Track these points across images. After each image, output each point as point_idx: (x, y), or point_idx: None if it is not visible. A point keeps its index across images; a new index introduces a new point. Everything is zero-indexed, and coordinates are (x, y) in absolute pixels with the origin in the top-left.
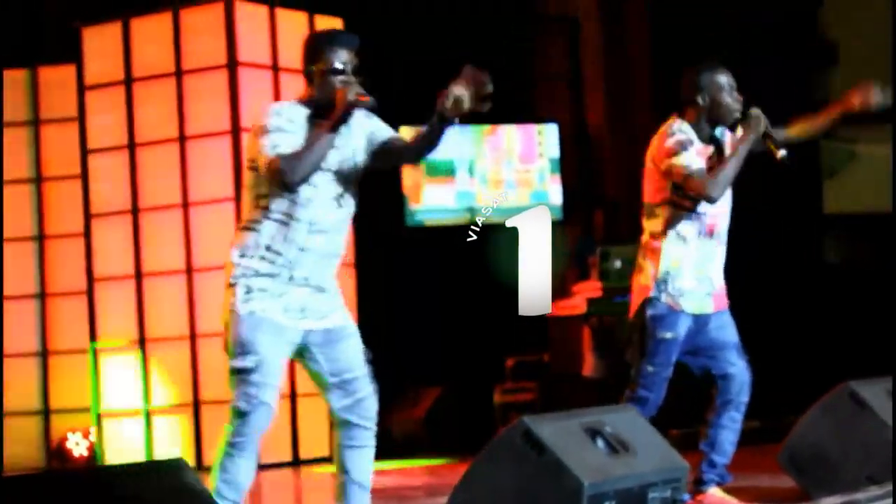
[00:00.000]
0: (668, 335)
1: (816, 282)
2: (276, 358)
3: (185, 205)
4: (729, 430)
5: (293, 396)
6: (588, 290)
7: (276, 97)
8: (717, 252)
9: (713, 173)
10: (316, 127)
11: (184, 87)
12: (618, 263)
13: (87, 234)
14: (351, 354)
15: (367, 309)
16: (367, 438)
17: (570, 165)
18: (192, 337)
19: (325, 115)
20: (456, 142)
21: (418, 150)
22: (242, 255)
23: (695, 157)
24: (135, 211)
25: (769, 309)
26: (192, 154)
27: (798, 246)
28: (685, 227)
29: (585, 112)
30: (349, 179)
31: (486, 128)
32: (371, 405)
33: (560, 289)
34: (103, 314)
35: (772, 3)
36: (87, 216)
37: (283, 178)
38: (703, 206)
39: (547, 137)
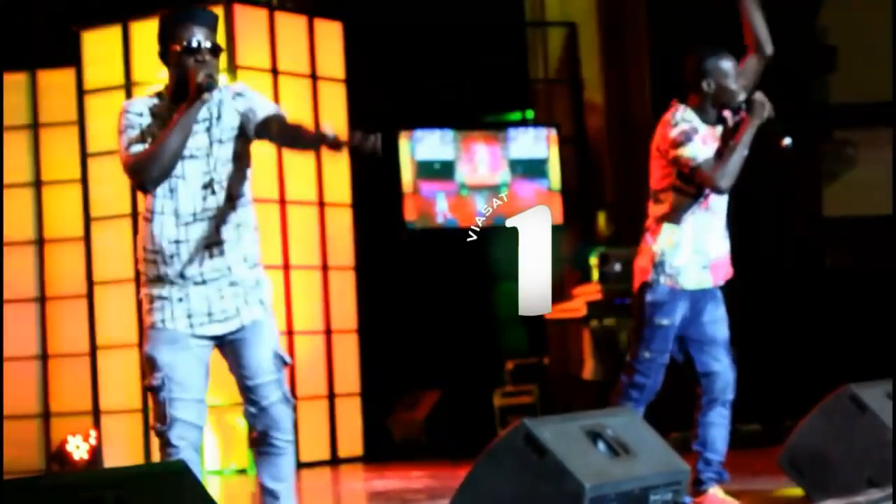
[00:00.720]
0: (666, 321)
1: (816, 284)
2: (186, 370)
3: None
4: (719, 427)
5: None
6: (588, 293)
7: (276, 101)
8: (713, 223)
9: (720, 163)
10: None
11: None
12: (617, 266)
13: (87, 237)
14: (259, 359)
15: (367, 312)
16: (277, 447)
17: (570, 169)
18: None
19: (184, 98)
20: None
21: (294, 144)
22: (137, 262)
23: (701, 147)
24: (134, 214)
25: (769, 311)
26: None
27: (798, 249)
28: (688, 212)
29: (584, 115)
30: (225, 163)
31: (464, 133)
32: (279, 413)
33: (559, 292)
34: (103, 317)
35: (770, 7)
36: (87, 220)
37: (139, 179)
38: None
39: (510, 143)
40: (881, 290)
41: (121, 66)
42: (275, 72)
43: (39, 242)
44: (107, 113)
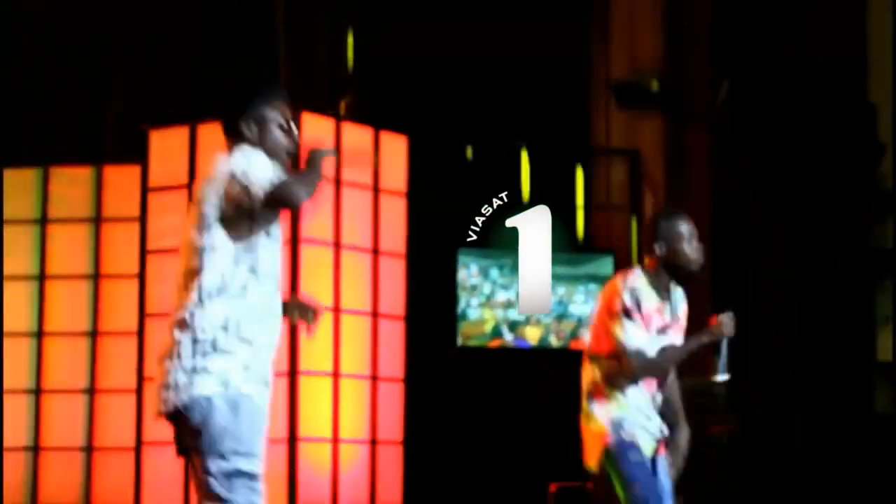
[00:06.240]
0: (639, 458)
1: (866, 431)
2: None
3: None
4: None
5: None
6: None
7: (337, 208)
8: (658, 402)
9: (648, 359)
10: None
11: None
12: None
13: (141, 332)
14: None
15: (413, 428)
16: None
17: None
18: None
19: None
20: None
21: None
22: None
23: (635, 331)
24: None
25: (817, 456)
26: None
27: (849, 394)
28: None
29: (641, 243)
30: None
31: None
32: None
33: None
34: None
35: (832, 157)
36: (142, 316)
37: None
38: None
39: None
40: None
41: (186, 165)
42: (337, 182)
43: (93, 334)
44: (169, 211)
